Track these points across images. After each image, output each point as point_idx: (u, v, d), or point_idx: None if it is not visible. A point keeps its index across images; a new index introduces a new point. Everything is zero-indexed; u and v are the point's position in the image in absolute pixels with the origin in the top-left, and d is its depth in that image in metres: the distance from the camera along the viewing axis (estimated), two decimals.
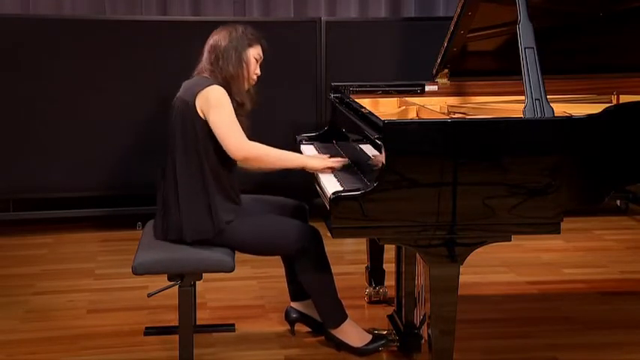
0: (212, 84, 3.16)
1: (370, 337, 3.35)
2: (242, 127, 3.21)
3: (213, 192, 3.16)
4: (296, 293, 3.48)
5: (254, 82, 3.32)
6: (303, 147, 3.76)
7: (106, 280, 4.30)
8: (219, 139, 3.14)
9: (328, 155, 3.40)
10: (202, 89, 3.14)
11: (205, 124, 3.14)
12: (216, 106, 3.13)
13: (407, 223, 2.74)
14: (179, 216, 3.16)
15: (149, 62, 4.96)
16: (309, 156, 3.40)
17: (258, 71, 3.32)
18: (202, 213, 3.15)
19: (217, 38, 3.26)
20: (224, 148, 3.14)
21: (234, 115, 3.16)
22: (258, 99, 3.35)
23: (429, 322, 2.86)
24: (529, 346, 3.46)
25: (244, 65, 3.24)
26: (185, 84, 3.29)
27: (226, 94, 3.16)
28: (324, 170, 3.21)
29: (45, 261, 4.63)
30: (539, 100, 2.83)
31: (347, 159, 3.29)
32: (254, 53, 3.28)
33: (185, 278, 3.11)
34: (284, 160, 3.25)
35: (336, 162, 3.25)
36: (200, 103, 3.13)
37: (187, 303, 3.13)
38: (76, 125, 4.98)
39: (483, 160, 2.74)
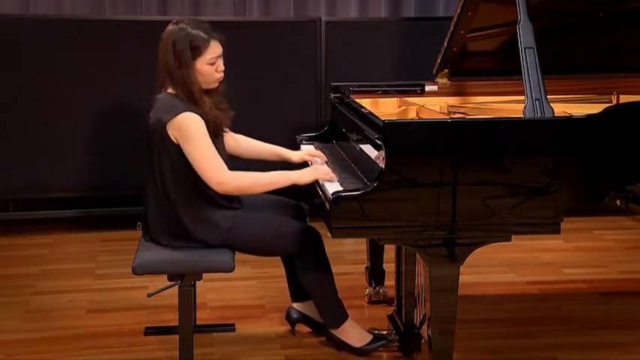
0: (181, 111, 3.00)
1: (371, 337, 3.35)
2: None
3: (205, 208, 3.11)
4: (297, 294, 3.48)
5: (221, 79, 3.15)
6: (303, 147, 3.75)
7: (106, 280, 4.30)
8: (198, 173, 3.03)
9: (321, 161, 3.38)
10: (173, 118, 3.00)
11: (181, 148, 3.04)
12: (190, 140, 3.00)
13: (407, 223, 2.73)
14: (167, 237, 3.15)
15: (149, 62, 4.95)
16: (297, 172, 3.19)
17: (220, 68, 3.11)
18: (186, 236, 3.12)
19: (162, 51, 3.07)
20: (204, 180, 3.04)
21: (210, 144, 3.02)
22: (227, 100, 3.22)
23: (429, 322, 2.86)
24: (529, 346, 3.46)
25: (196, 79, 3.06)
26: (155, 105, 3.13)
27: (198, 119, 3.01)
28: (316, 179, 3.13)
29: (45, 261, 4.63)
30: (539, 100, 2.83)
31: (335, 176, 3.13)
32: (206, 60, 3.06)
33: (185, 278, 3.10)
34: (268, 186, 3.11)
35: (325, 175, 3.11)
36: (172, 133, 3.02)
37: (187, 303, 3.13)
38: (76, 125, 4.99)
39: (483, 160, 2.74)
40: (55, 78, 4.92)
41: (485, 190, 2.74)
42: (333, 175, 3.11)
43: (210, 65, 3.09)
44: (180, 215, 3.11)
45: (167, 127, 3.03)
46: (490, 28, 3.58)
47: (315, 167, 3.28)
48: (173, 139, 3.04)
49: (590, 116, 2.87)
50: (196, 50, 3.05)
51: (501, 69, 3.66)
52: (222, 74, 3.15)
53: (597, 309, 3.88)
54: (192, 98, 3.07)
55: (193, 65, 3.06)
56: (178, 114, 3.02)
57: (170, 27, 3.12)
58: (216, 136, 3.13)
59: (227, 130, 3.30)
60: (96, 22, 5.06)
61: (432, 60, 3.76)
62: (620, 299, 4.00)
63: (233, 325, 3.62)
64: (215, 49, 3.09)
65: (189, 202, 3.11)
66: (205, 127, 3.05)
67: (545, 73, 2.87)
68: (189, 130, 3.01)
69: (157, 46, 3.13)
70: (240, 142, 3.45)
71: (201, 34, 3.07)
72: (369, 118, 3.05)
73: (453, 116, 3.51)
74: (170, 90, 3.13)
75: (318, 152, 3.48)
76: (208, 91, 3.16)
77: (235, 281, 4.12)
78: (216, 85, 3.17)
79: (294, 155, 3.45)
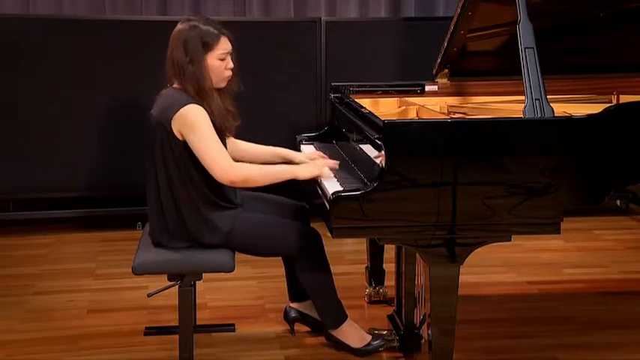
0: (186, 104, 3.01)
1: (370, 337, 3.35)
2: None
3: (205, 210, 3.10)
4: (295, 293, 3.48)
5: (229, 77, 3.16)
6: (303, 147, 3.75)
7: (106, 280, 4.30)
8: (203, 164, 3.03)
9: (320, 155, 3.37)
10: (177, 111, 3.00)
11: (185, 144, 3.03)
12: (194, 130, 2.99)
13: (407, 223, 2.74)
14: (167, 235, 3.15)
15: (149, 62, 4.96)
16: (299, 166, 3.21)
17: (230, 65, 3.13)
18: (186, 237, 3.13)
19: (173, 47, 3.08)
20: (210, 173, 3.04)
21: (215, 135, 3.02)
22: (238, 98, 3.23)
23: (429, 322, 2.86)
24: (529, 346, 3.46)
25: (207, 74, 3.07)
26: (159, 100, 3.13)
27: (203, 111, 3.02)
28: (318, 176, 3.12)
29: (45, 261, 4.63)
30: (539, 100, 2.83)
31: (338, 162, 3.18)
32: (215, 55, 3.08)
33: (185, 278, 3.10)
34: (272, 176, 3.11)
35: (327, 164, 3.14)
36: (177, 126, 3.02)
37: (187, 303, 3.13)
38: (76, 125, 4.99)
39: (483, 160, 2.74)
40: (55, 78, 4.92)
41: (486, 190, 2.74)
42: (331, 162, 3.13)
43: (221, 61, 3.11)
44: (183, 216, 3.11)
45: (172, 120, 3.02)
46: (490, 28, 3.58)
47: (315, 163, 3.26)
48: (178, 135, 3.04)
49: (590, 116, 2.87)
50: (207, 46, 3.08)
51: (501, 69, 3.66)
52: (231, 72, 3.16)
53: (597, 309, 3.88)
54: (201, 94, 3.07)
55: (204, 60, 3.08)
56: (183, 106, 3.02)
57: (180, 25, 3.13)
58: (220, 138, 3.11)
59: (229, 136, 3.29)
60: (96, 22, 5.07)
61: (432, 60, 3.76)
62: (620, 299, 4.00)
63: (233, 325, 3.62)
64: (225, 44, 3.12)
65: (192, 202, 3.10)
66: (210, 119, 3.04)
67: (545, 73, 2.87)
68: (194, 121, 3.01)
69: (160, 47, 3.13)
70: (240, 145, 3.43)
71: (212, 29, 3.10)
72: (369, 118, 3.05)
73: (453, 116, 3.51)
74: (176, 85, 3.13)
75: (318, 154, 3.47)
76: (218, 91, 3.16)
77: (235, 281, 4.12)
78: (225, 83, 3.17)
79: (296, 157, 3.44)
